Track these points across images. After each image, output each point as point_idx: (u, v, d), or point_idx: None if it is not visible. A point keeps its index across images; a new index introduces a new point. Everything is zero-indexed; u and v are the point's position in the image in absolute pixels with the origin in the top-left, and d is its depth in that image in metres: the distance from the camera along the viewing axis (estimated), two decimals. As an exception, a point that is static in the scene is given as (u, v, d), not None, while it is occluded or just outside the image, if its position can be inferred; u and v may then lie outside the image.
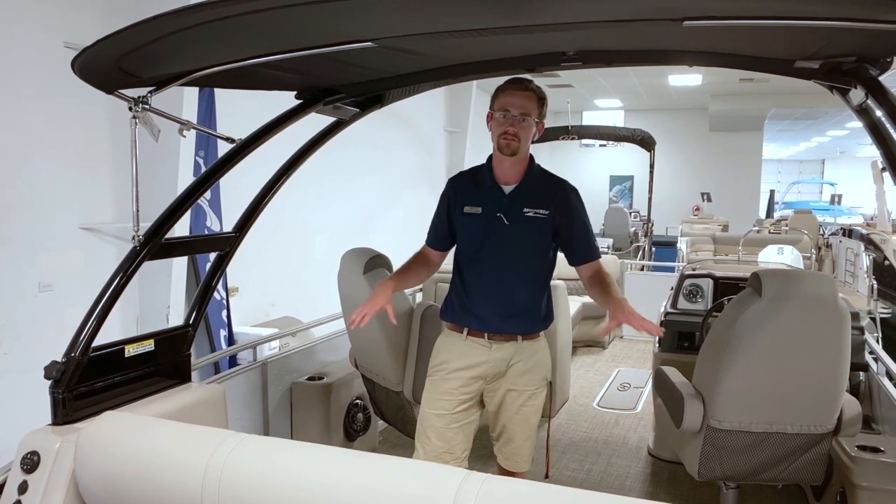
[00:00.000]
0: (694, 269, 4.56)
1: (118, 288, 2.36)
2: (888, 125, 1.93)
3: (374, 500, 1.67)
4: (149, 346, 2.55)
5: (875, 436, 3.11)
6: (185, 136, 2.73)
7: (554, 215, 2.63)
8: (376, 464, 1.78)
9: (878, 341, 3.83)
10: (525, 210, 2.61)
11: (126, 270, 2.40)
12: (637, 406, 5.00)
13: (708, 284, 4.25)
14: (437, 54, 2.44)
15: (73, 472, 2.09)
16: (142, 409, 2.41)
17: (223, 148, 2.66)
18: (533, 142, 2.66)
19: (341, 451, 1.90)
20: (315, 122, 2.91)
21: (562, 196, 2.66)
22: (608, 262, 7.16)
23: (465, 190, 2.72)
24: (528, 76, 2.68)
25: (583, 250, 2.74)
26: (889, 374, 3.27)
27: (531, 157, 2.68)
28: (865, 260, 10.33)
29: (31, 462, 2.12)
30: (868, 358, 3.63)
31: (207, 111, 5.30)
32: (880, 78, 2.03)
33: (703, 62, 2.51)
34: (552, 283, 4.65)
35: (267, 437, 1.96)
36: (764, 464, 2.87)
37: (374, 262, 3.29)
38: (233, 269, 6.34)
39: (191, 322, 2.76)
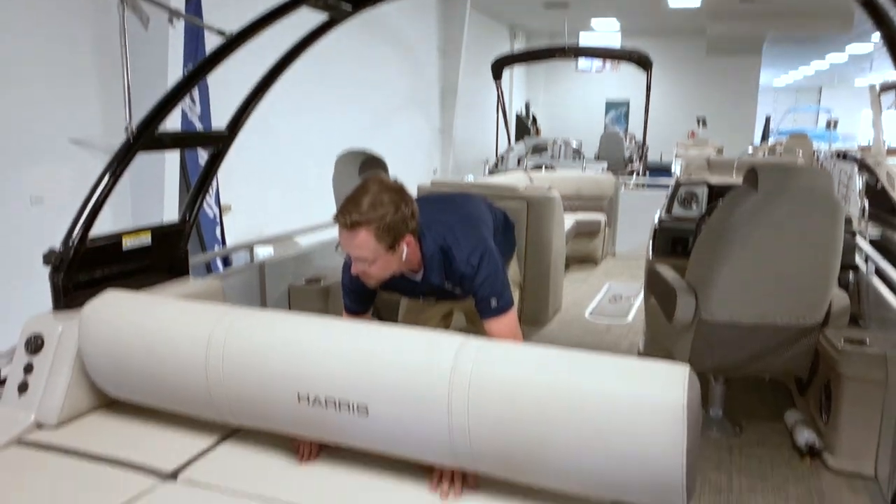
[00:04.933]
0: (689, 177, 4.57)
1: (112, 178, 2.35)
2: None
3: (375, 367, 1.72)
4: (146, 239, 2.55)
5: (861, 330, 3.19)
6: (173, 27, 2.67)
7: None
8: (377, 333, 1.82)
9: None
10: (445, 286, 2.34)
11: (120, 161, 2.38)
12: (628, 316, 5.09)
13: (703, 191, 4.26)
14: None
15: (76, 354, 2.14)
16: (142, 299, 2.43)
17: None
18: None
19: (342, 322, 1.95)
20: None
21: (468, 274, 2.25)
22: (602, 180, 7.15)
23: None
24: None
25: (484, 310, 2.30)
26: (878, 273, 3.32)
27: (422, 238, 2.22)
28: (858, 182, 10.36)
29: (34, 344, 2.16)
30: (858, 260, 3.69)
31: (196, 13, 5.17)
32: None
33: None
34: (548, 195, 4.66)
35: (268, 309, 1.99)
36: (753, 356, 2.95)
37: (369, 164, 3.28)
38: (225, 188, 6.35)
39: (187, 218, 2.77)
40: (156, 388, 2.03)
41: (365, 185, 2.05)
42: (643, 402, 1.50)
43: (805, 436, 3.00)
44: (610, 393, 1.54)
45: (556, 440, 1.55)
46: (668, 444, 1.46)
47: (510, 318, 2.24)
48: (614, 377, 1.57)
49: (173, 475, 1.84)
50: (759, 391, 3.67)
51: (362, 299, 2.37)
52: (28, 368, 2.14)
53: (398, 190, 2.09)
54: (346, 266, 2.30)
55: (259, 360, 1.84)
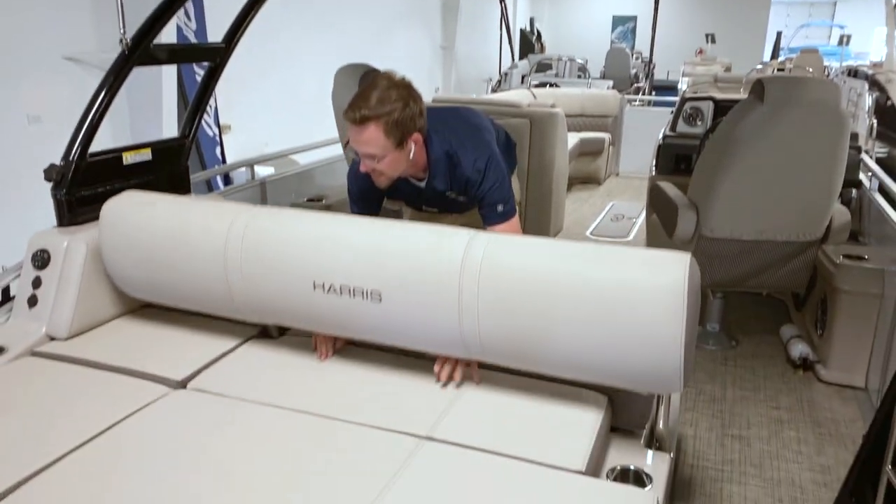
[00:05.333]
0: (695, 93, 4.49)
1: (109, 93, 2.32)
2: None
3: (388, 255, 1.78)
4: (146, 154, 2.54)
5: (860, 247, 3.20)
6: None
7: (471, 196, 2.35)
8: (390, 226, 1.87)
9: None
10: (447, 194, 2.35)
11: (116, 76, 2.34)
12: (629, 234, 5.11)
13: (708, 107, 4.20)
14: None
15: (83, 268, 2.17)
16: (145, 215, 2.44)
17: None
18: None
19: (355, 217, 2.01)
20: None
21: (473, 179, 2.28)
22: (607, 97, 7.03)
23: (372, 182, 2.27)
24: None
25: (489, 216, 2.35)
26: (882, 189, 3.31)
27: (428, 142, 2.22)
28: (868, 100, 10.16)
29: (41, 259, 2.19)
30: (862, 177, 3.67)
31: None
32: None
33: None
34: (552, 112, 4.59)
35: (285, 208, 2.05)
36: (752, 271, 2.98)
37: (369, 77, 3.21)
38: (224, 108, 6.26)
39: (186, 134, 2.75)
40: (175, 285, 2.09)
41: (374, 82, 2.04)
42: (646, 285, 1.55)
43: (799, 349, 3.06)
44: (614, 278, 1.59)
45: (563, 325, 1.62)
46: (669, 326, 1.52)
47: (514, 224, 2.30)
48: (619, 263, 1.61)
49: (183, 384, 1.90)
50: (757, 306, 3.73)
51: (368, 208, 2.40)
52: (36, 283, 2.18)
53: (407, 86, 2.07)
54: (352, 173, 2.32)
55: (276, 250, 1.89)
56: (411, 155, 2.11)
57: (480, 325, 1.69)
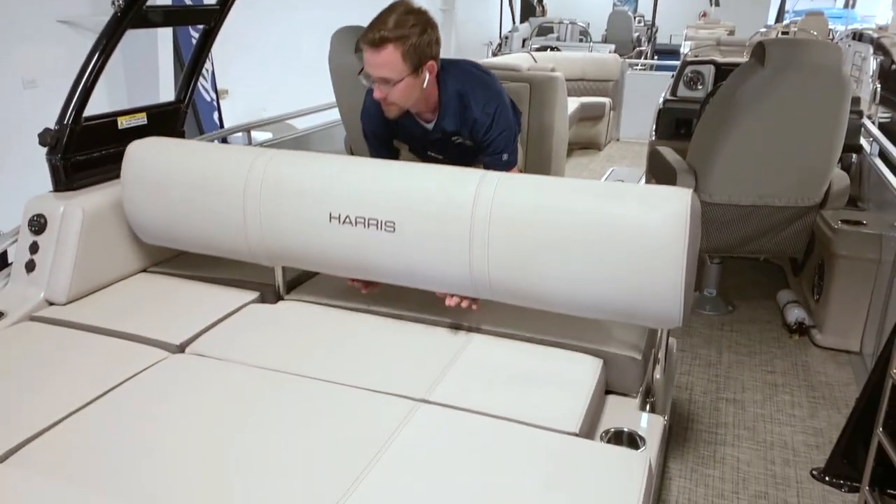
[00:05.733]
0: (696, 56, 4.44)
1: (103, 56, 2.29)
2: None
3: (403, 189, 1.85)
4: (141, 119, 2.52)
5: (859, 212, 3.20)
6: None
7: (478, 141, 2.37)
8: (405, 165, 1.93)
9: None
10: (454, 138, 2.37)
11: (109, 38, 2.31)
12: (629, 201, 5.09)
13: (709, 71, 4.16)
14: None
15: (80, 234, 2.17)
16: (141, 180, 2.44)
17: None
18: None
19: (368, 159, 2.09)
20: None
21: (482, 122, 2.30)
22: (609, 61, 6.95)
23: (384, 119, 2.32)
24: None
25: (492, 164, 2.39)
26: (882, 154, 3.29)
27: (440, 80, 2.24)
28: (872, 64, 10.04)
29: (38, 224, 2.19)
30: (863, 142, 3.65)
31: None
32: None
33: None
34: (552, 76, 4.53)
35: (300, 151, 2.14)
36: (749, 237, 2.98)
37: (367, 41, 3.17)
38: (221, 73, 6.19)
39: (182, 98, 2.72)
40: (192, 226, 2.15)
41: (391, 7, 2.05)
42: (651, 217, 1.61)
43: (795, 313, 3.08)
44: (620, 212, 1.65)
45: (570, 258, 1.68)
46: (672, 257, 1.59)
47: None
48: (624, 197, 1.68)
49: (181, 348, 1.92)
50: (754, 272, 3.74)
51: (385, 149, 2.45)
52: (33, 248, 2.18)
53: (424, 13, 2.10)
54: (365, 113, 2.37)
55: (294, 185, 1.96)
56: (425, 84, 2.12)
57: (490, 255, 1.75)
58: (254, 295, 2.22)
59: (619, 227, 1.63)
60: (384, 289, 2.16)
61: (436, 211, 1.79)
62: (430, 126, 2.35)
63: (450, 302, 1.91)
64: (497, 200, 1.74)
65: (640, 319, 1.74)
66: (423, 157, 2.55)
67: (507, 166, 2.32)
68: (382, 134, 2.40)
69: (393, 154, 2.50)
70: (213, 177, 2.08)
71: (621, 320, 1.79)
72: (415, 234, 1.82)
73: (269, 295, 2.25)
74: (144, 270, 2.41)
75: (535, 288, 1.76)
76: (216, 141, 4.79)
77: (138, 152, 2.21)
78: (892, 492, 1.94)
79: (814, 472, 2.21)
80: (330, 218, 1.90)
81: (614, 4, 16.32)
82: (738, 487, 2.16)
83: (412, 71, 2.06)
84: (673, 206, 1.60)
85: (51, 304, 2.15)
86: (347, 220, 1.88)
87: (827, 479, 2.17)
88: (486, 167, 2.33)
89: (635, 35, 12.54)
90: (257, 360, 1.82)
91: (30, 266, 2.18)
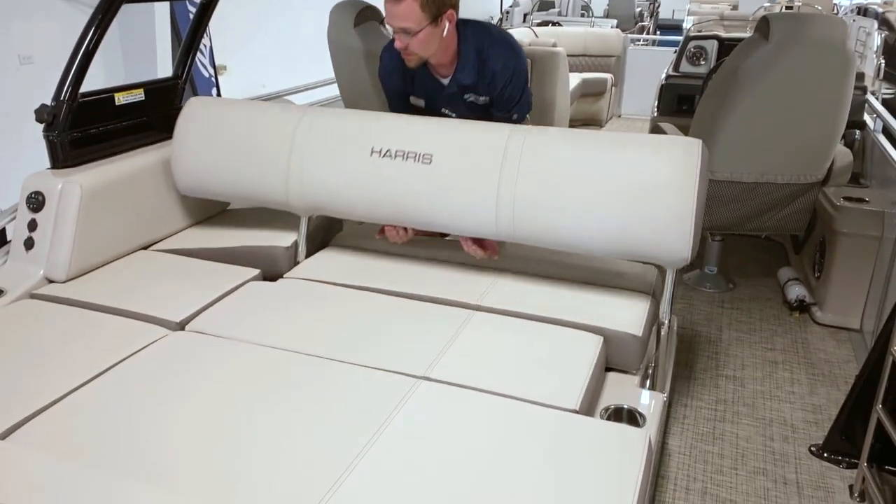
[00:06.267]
0: (699, 31, 4.39)
1: (99, 30, 2.26)
2: None
3: (439, 133, 2.09)
4: (139, 95, 2.50)
5: (862, 189, 3.18)
6: None
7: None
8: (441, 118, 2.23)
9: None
10: (466, 96, 2.39)
11: (105, 12, 2.28)
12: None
13: (712, 46, 4.11)
14: None
15: (79, 211, 2.16)
16: (138, 158, 2.42)
17: None
18: None
19: (395, 115, 2.28)
20: None
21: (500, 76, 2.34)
22: (610, 36, 6.88)
23: (401, 75, 2.41)
24: None
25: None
26: (886, 130, 3.27)
27: (460, 34, 2.28)
28: (877, 39, 9.94)
29: (36, 201, 2.17)
30: (866, 118, 3.62)
31: None
32: None
33: None
34: (553, 51, 4.49)
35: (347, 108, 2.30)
36: (751, 214, 2.97)
37: (365, 14, 3.14)
38: (219, 48, 6.12)
39: (180, 73, 2.69)
40: (239, 174, 2.31)
41: None
42: (665, 164, 1.81)
43: (796, 291, 3.08)
44: (637, 158, 1.85)
45: (591, 200, 1.87)
46: (683, 198, 1.78)
47: None
48: (641, 145, 1.89)
49: (181, 325, 1.92)
50: (755, 249, 3.73)
51: (403, 106, 2.52)
52: (32, 225, 2.17)
53: None
54: (383, 69, 2.46)
55: (339, 127, 2.19)
56: (444, 33, 2.18)
57: (517, 190, 1.94)
58: (254, 272, 2.22)
59: (636, 171, 1.82)
60: (386, 266, 2.16)
61: (472, 146, 2.01)
62: (446, 81, 2.38)
63: (468, 247, 2.00)
64: (529, 140, 1.96)
65: (652, 256, 1.91)
66: (438, 113, 2.57)
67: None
68: (400, 91, 2.48)
69: (411, 111, 2.54)
70: (263, 128, 2.28)
71: (635, 258, 1.97)
72: (450, 167, 2.02)
73: (281, 262, 2.34)
74: (144, 248, 2.40)
75: (557, 224, 1.93)
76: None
77: (195, 109, 2.39)
78: (890, 468, 1.95)
79: (812, 449, 2.22)
80: (371, 152, 2.10)
81: (617, -22, 16.11)
82: (736, 463, 2.17)
83: (431, 21, 2.11)
84: (685, 151, 1.80)
85: (50, 281, 2.14)
86: (388, 153, 2.08)
87: (825, 455, 2.18)
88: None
89: (637, 10, 12.39)
90: (257, 338, 1.82)
91: (28, 244, 2.17)
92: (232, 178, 2.32)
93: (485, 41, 2.29)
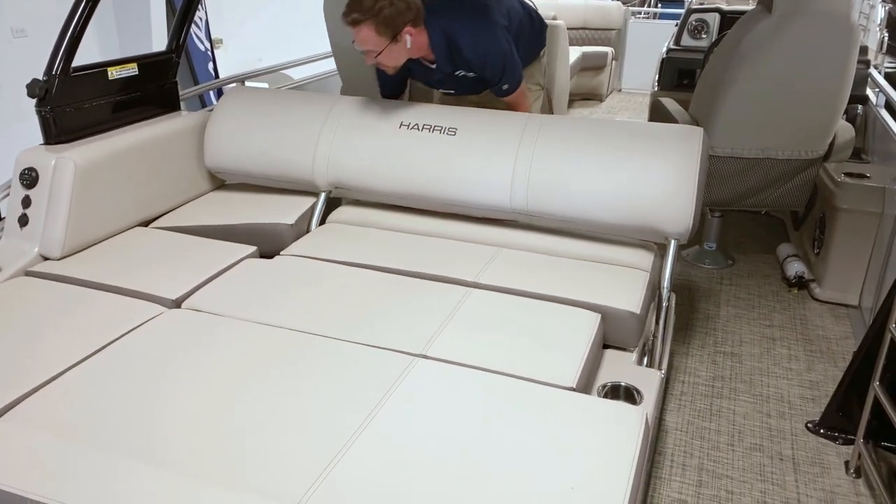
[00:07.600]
0: (701, 4, 4.33)
1: (91, 2, 2.22)
2: None
3: (465, 111, 2.34)
4: (132, 69, 2.46)
5: (863, 164, 3.16)
6: None
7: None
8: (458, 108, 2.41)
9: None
10: (457, 73, 2.45)
11: (97, -16, 2.24)
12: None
13: (714, 19, 4.06)
14: None
15: (73, 187, 2.14)
16: (132, 133, 2.39)
17: None
18: None
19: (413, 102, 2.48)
20: None
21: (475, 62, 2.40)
22: (611, 9, 6.79)
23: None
24: None
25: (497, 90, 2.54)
26: (888, 105, 3.24)
27: (428, 28, 2.30)
28: (881, 12, 9.82)
29: (29, 178, 2.15)
30: (869, 92, 3.58)
31: None
32: None
33: None
34: (553, 24, 4.43)
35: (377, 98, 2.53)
36: (751, 190, 2.95)
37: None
38: (216, 22, 6.05)
39: (173, 48, 2.65)
40: (268, 153, 2.48)
41: None
42: (670, 148, 2.04)
43: (795, 267, 3.07)
44: (646, 139, 2.08)
45: (602, 176, 2.08)
46: (687, 175, 2.00)
47: (520, 93, 2.57)
48: (649, 129, 2.14)
49: (177, 303, 1.91)
50: (755, 226, 3.72)
51: (394, 87, 2.61)
52: (26, 202, 2.15)
53: None
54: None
55: (371, 104, 2.42)
56: (408, 45, 2.24)
57: (532, 165, 2.15)
58: (251, 249, 2.20)
59: (644, 151, 2.04)
60: (383, 243, 2.15)
61: (494, 124, 2.25)
62: (433, 66, 2.44)
63: None
64: (546, 123, 2.19)
65: (655, 229, 2.06)
66: (439, 89, 2.67)
67: (508, 93, 2.49)
68: (399, 78, 2.54)
69: (401, 89, 2.66)
70: (297, 112, 2.48)
71: (642, 230, 2.11)
72: (472, 139, 2.24)
73: (287, 239, 2.37)
74: (140, 224, 2.39)
75: (568, 193, 2.11)
76: (212, 92, 4.72)
77: (234, 95, 2.62)
78: (886, 444, 1.96)
79: (809, 425, 2.23)
80: (400, 125, 2.32)
81: (618, -50, 15.88)
82: (733, 440, 2.18)
83: (391, 40, 2.19)
84: (688, 136, 2.04)
85: (45, 258, 2.13)
86: (416, 126, 2.30)
87: (822, 431, 2.19)
88: (494, 92, 2.52)
89: (639, -18, 12.22)
90: (253, 315, 1.81)
91: (23, 220, 2.16)
92: (261, 157, 2.49)
93: (452, 26, 2.32)
